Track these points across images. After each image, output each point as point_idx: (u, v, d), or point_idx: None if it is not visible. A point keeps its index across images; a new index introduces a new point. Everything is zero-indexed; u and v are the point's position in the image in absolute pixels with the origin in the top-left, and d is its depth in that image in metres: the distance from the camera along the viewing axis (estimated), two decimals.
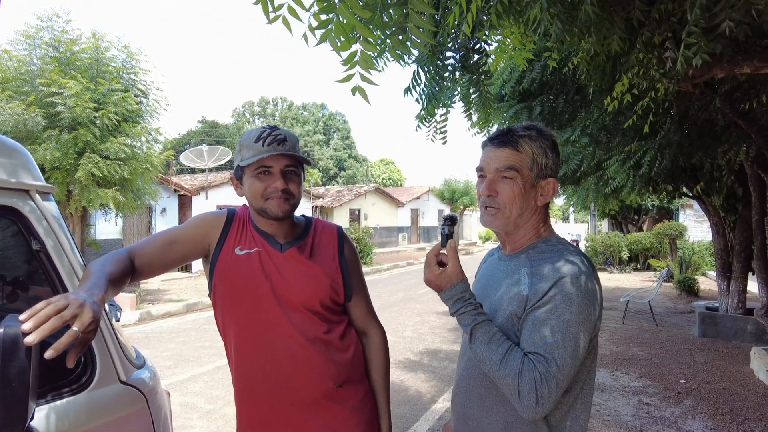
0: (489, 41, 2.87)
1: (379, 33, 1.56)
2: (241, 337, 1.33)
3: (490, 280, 1.27)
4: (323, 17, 1.26)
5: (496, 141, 1.21)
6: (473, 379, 1.21)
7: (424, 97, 2.65)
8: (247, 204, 1.42)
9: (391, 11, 1.49)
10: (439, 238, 1.22)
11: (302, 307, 1.33)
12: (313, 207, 22.48)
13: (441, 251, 1.17)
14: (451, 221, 1.22)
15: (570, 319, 1.04)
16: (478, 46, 2.65)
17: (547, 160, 1.19)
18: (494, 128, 5.78)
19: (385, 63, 2.27)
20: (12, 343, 0.79)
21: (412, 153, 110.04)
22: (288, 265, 1.35)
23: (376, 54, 1.76)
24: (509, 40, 2.90)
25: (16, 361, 0.79)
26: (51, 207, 1.24)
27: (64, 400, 1.17)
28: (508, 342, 1.08)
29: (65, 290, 1.21)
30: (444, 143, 3.03)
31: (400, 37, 1.56)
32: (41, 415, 1.12)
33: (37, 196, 1.19)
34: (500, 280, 1.22)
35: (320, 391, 1.33)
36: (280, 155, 1.30)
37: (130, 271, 1.18)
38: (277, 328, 1.31)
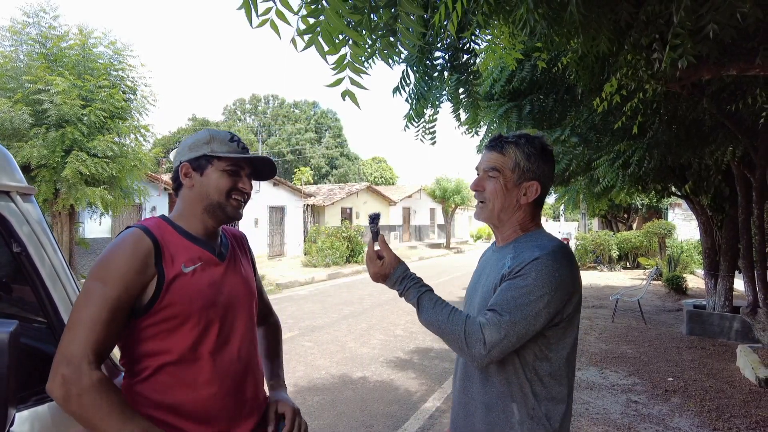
0: (478, 41, 2.87)
1: (367, 35, 1.55)
2: (195, 354, 1.22)
3: (484, 269, 1.44)
4: (311, 21, 1.24)
5: (489, 145, 1.41)
6: None
7: (412, 97, 2.64)
8: (195, 198, 1.30)
9: (381, 11, 1.48)
10: (370, 236, 1.41)
11: (247, 312, 1.38)
12: (304, 206, 22.41)
13: (375, 248, 1.38)
14: (376, 219, 1.41)
15: (533, 290, 1.18)
16: (467, 46, 2.65)
17: (531, 165, 1.34)
18: (484, 128, 5.82)
19: (374, 61, 2.26)
20: None
21: (404, 151, 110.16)
22: (230, 273, 1.35)
23: (365, 57, 1.75)
24: (499, 40, 2.91)
25: None
26: (32, 208, 1.21)
27: (46, 405, 1.15)
28: (451, 305, 1.27)
29: (46, 292, 1.19)
30: (433, 143, 3.01)
31: (391, 39, 1.55)
32: (23, 421, 1.10)
33: (18, 197, 1.17)
34: (491, 267, 1.39)
35: (261, 391, 1.42)
36: (250, 160, 1.36)
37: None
38: (234, 339, 1.30)
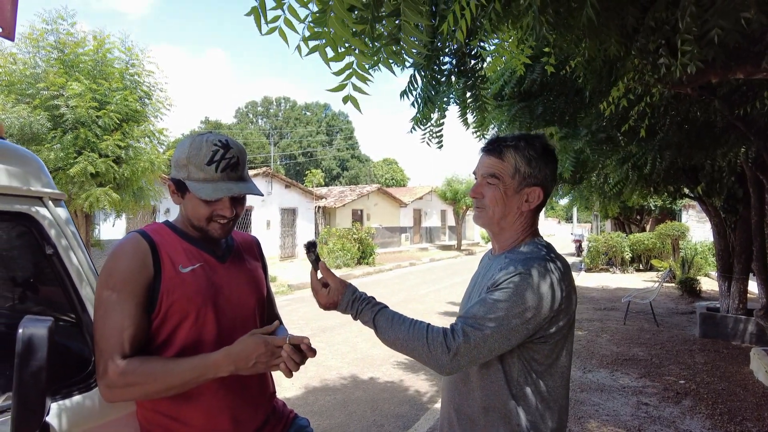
0: (486, 45, 2.89)
1: (369, 41, 1.59)
2: (195, 353, 1.24)
3: (478, 278, 1.39)
4: (317, 29, 1.29)
5: (486, 149, 1.33)
6: None
7: (420, 100, 2.66)
8: (185, 214, 1.34)
9: (384, 22, 1.52)
10: (310, 265, 1.34)
11: (252, 310, 1.40)
12: (315, 207, 22.54)
13: (318, 277, 1.32)
14: (313, 246, 1.35)
15: (512, 306, 1.13)
16: (474, 51, 2.68)
17: (532, 170, 1.26)
18: (495, 129, 5.85)
19: (379, 68, 2.29)
20: (30, 343, 0.84)
21: (415, 153, 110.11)
22: (233, 273, 1.37)
23: (370, 65, 1.80)
24: (507, 44, 2.95)
25: (34, 360, 0.85)
26: (63, 213, 1.29)
27: (75, 398, 1.22)
28: (410, 318, 1.22)
29: (76, 293, 1.26)
30: (440, 147, 3.02)
31: (395, 48, 1.58)
32: (53, 412, 1.17)
33: (50, 202, 1.25)
34: (483, 276, 1.34)
35: (267, 393, 1.43)
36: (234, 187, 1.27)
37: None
38: (236, 336, 1.29)
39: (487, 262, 1.41)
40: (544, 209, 1.46)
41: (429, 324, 1.19)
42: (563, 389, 1.25)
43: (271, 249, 19.07)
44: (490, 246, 1.51)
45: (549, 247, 1.28)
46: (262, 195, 1.34)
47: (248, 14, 1.29)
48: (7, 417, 1.06)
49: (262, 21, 1.30)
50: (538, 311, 1.14)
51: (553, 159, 1.30)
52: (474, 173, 1.36)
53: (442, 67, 2.70)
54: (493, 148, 1.30)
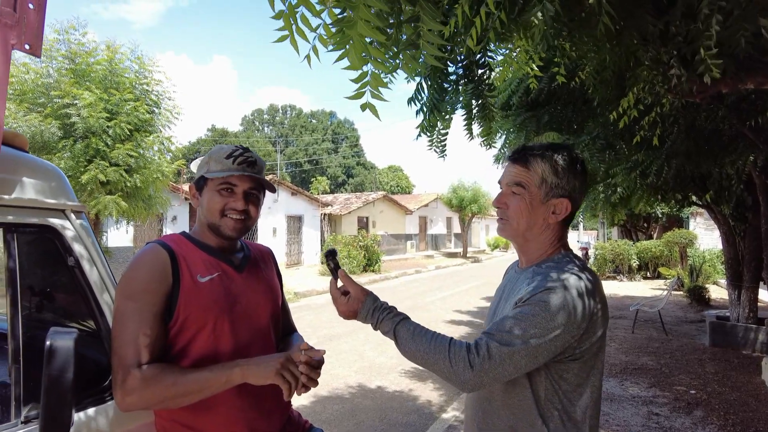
0: (494, 54, 2.89)
1: (389, 46, 1.59)
2: (213, 362, 1.26)
3: (505, 292, 1.34)
4: (339, 36, 1.30)
5: (512, 157, 1.28)
6: None
7: (425, 110, 2.68)
8: (201, 217, 1.37)
9: (403, 28, 1.53)
10: (330, 273, 1.34)
11: (268, 320, 1.42)
12: (321, 215, 22.59)
13: (338, 285, 1.30)
14: (332, 255, 1.36)
15: (539, 322, 1.08)
16: (482, 60, 2.69)
17: (559, 180, 1.22)
18: (502, 138, 5.86)
19: (395, 74, 2.31)
20: (56, 355, 0.86)
21: (421, 160, 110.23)
22: (250, 283, 1.40)
23: (388, 73, 1.81)
24: (516, 54, 2.95)
25: (60, 371, 0.86)
26: (84, 225, 1.31)
27: (93, 409, 1.23)
28: (431, 330, 1.18)
29: (97, 302, 1.28)
30: (443, 157, 3.02)
31: (413, 53, 1.59)
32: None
33: (72, 215, 1.27)
34: (511, 292, 1.28)
35: (283, 403, 1.41)
36: (247, 176, 1.34)
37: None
38: (253, 345, 1.34)
39: (514, 275, 1.36)
40: None
41: (452, 338, 1.15)
42: (594, 409, 1.20)
43: (277, 256, 19.02)
44: (496, 254, 1.49)
45: (578, 260, 1.24)
46: (275, 190, 1.39)
47: (279, 41, 1.29)
48: (34, 427, 1.07)
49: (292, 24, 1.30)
50: (566, 328, 1.09)
51: (582, 170, 1.25)
52: (499, 183, 1.32)
53: (449, 77, 2.71)
54: (519, 157, 1.26)
